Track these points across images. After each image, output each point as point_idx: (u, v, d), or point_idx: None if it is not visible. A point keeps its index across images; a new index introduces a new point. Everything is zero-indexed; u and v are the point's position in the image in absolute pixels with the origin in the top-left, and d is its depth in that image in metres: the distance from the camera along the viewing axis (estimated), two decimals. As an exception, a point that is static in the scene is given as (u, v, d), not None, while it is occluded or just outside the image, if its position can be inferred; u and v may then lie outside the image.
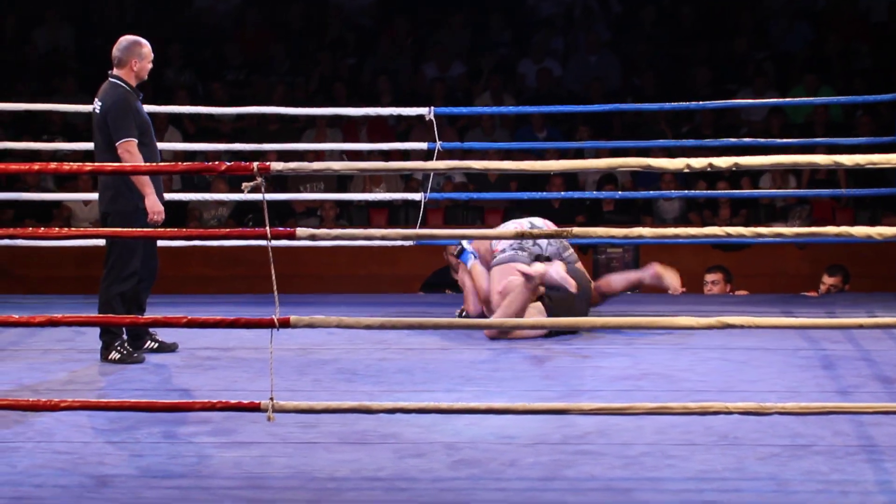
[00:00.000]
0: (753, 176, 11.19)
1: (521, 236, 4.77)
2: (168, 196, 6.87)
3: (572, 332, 6.82)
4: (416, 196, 8.15)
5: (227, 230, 4.89)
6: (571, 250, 7.08)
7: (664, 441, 4.81)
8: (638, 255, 10.32)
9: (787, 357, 6.23)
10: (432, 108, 7.88)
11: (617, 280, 7.30)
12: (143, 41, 6.33)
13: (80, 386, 5.80)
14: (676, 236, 4.58)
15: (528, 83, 12.74)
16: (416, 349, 6.50)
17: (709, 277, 8.75)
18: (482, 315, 7.06)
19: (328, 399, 5.21)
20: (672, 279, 7.15)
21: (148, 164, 6.12)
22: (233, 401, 4.51)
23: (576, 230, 4.56)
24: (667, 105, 8.79)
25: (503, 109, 10.50)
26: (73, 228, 10.21)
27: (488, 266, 7.03)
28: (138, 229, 6.00)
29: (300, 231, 4.46)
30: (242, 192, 4.43)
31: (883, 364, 6.06)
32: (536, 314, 6.78)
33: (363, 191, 11.37)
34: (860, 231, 4.40)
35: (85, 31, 13.37)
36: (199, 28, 13.58)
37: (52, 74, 12.75)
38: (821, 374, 5.92)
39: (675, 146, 10.07)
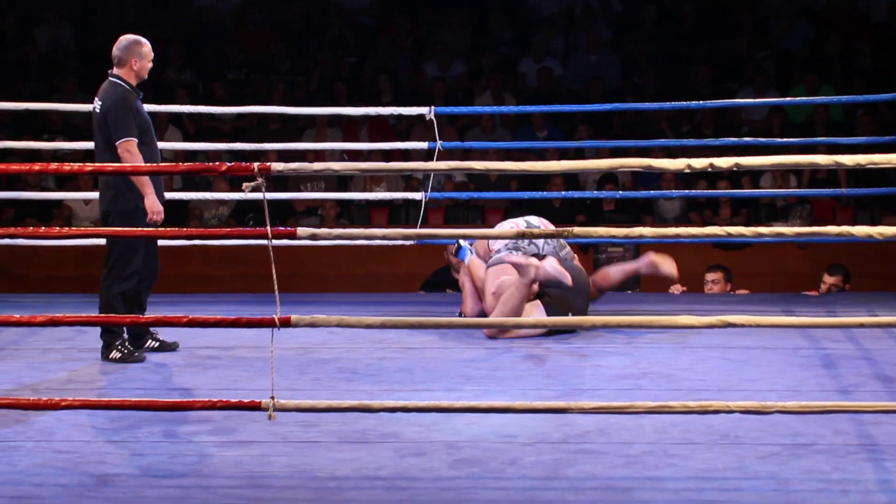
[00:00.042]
0: (754, 175, 11.19)
1: (521, 236, 4.77)
2: (169, 195, 6.88)
3: (571, 330, 6.82)
4: (417, 195, 8.15)
5: (228, 230, 4.89)
6: (568, 248, 7.09)
7: (664, 440, 4.81)
8: (638, 254, 10.31)
9: (787, 356, 6.23)
10: (433, 107, 7.88)
11: (614, 272, 7.31)
12: (144, 40, 6.33)
13: (81, 385, 5.80)
14: (677, 236, 4.57)
15: (529, 82, 12.74)
16: (417, 348, 6.50)
17: (709, 276, 8.76)
18: (480, 316, 7.06)
19: (329, 398, 5.21)
20: (668, 266, 7.15)
21: (149, 164, 6.12)
22: (233, 400, 4.51)
23: (576, 230, 4.56)
24: (667, 104, 8.79)
25: (504, 109, 10.50)
26: (73, 228, 10.22)
27: (486, 263, 7.03)
28: (139, 229, 6.01)
29: (301, 231, 4.47)
30: (243, 191, 4.43)
31: (883, 363, 6.06)
32: (535, 311, 6.78)
33: (364, 190, 11.37)
34: (861, 230, 4.40)
35: (85, 30, 13.37)
36: (200, 27, 13.58)
37: (53, 74, 12.75)
38: (821, 373, 5.92)
39: (675, 145, 10.08)
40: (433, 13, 13.40)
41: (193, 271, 10.52)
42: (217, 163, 4.46)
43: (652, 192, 10.24)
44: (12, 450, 4.77)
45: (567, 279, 6.74)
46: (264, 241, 4.46)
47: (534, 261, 6.77)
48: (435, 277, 9.49)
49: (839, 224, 4.70)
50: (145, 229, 6.02)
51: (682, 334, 6.66)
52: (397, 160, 11.25)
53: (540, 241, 6.93)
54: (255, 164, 4.36)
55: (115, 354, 6.20)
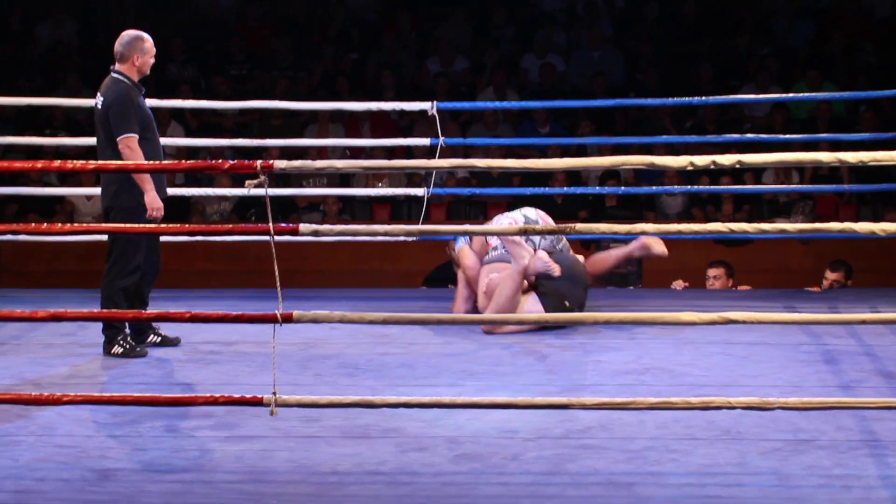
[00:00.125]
0: (756, 172, 11.18)
1: (524, 232, 4.77)
2: (171, 191, 6.88)
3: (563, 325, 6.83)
4: (419, 191, 8.15)
5: (230, 226, 4.89)
6: (565, 241, 7.09)
7: (666, 435, 4.81)
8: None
9: (789, 352, 6.23)
10: (435, 102, 7.88)
11: (607, 257, 7.34)
12: (146, 36, 6.33)
13: (83, 380, 5.80)
14: (679, 232, 4.57)
15: (532, 78, 12.74)
16: (419, 344, 6.50)
17: (711, 272, 8.75)
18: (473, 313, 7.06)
19: (330, 393, 5.22)
20: (659, 248, 7.19)
21: (151, 161, 6.12)
22: (235, 395, 4.52)
23: (578, 226, 4.56)
24: (670, 100, 8.78)
25: (506, 104, 10.49)
26: (75, 224, 10.22)
27: (481, 261, 7.03)
28: (141, 225, 6.01)
29: (303, 227, 4.47)
30: (246, 188, 4.43)
31: (885, 359, 6.06)
32: (529, 302, 6.78)
33: (366, 186, 11.37)
34: (863, 227, 4.40)
35: (88, 26, 13.37)
36: (202, 22, 13.58)
37: (56, 69, 12.75)
38: (823, 368, 5.92)
39: (678, 142, 10.06)
40: (436, 9, 13.39)
41: (195, 267, 10.52)
42: (220, 160, 4.47)
43: (654, 188, 10.23)
44: (14, 444, 4.78)
45: (555, 271, 6.75)
46: (266, 238, 4.47)
47: (530, 250, 6.79)
48: (437, 273, 9.49)
49: (841, 220, 4.71)
50: (147, 225, 6.02)
51: (684, 330, 6.66)
52: (399, 156, 11.24)
53: (536, 236, 6.93)
54: (258, 162, 4.37)
55: (116, 349, 6.21)
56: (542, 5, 13.45)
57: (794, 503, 4.21)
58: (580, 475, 4.45)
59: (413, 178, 11.34)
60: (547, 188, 9.77)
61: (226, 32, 13.40)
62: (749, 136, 9.02)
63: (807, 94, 11.07)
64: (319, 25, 13.43)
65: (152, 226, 6.02)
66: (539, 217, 7.04)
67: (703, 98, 8.87)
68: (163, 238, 6.74)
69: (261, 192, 4.41)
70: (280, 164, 4.40)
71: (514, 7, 13.27)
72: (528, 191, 8.99)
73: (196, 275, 10.32)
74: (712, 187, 10.59)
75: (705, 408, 4.47)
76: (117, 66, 6.29)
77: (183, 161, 5.41)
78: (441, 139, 7.81)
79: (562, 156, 10.64)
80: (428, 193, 8.00)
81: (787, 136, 8.65)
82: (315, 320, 4.52)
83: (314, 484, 4.39)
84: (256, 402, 4.45)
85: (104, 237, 6.69)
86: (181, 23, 13.38)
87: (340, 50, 13.05)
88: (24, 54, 13.02)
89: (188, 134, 11.64)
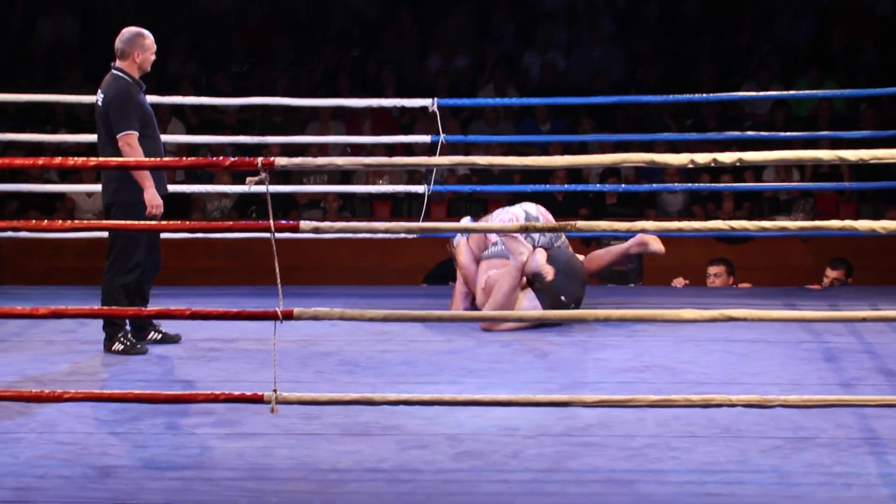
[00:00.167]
0: (757, 169, 11.18)
1: (524, 230, 4.76)
2: (171, 188, 6.88)
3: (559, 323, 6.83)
4: (420, 188, 8.15)
5: (231, 223, 4.89)
6: (564, 238, 7.09)
7: (667, 433, 4.81)
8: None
9: (789, 350, 6.23)
10: (436, 99, 7.87)
11: (604, 254, 7.34)
12: (146, 33, 6.33)
13: (84, 377, 5.80)
14: (680, 230, 4.58)
15: (532, 76, 12.73)
16: (419, 341, 6.50)
17: (712, 270, 8.75)
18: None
19: (331, 391, 5.22)
20: (656, 245, 7.20)
21: (152, 158, 6.12)
22: (236, 392, 4.52)
23: (579, 223, 4.56)
24: (671, 98, 8.78)
25: (507, 101, 10.49)
26: (76, 220, 10.22)
27: (479, 256, 7.03)
28: (142, 222, 6.01)
29: (304, 224, 4.47)
30: (247, 185, 4.43)
31: (886, 357, 6.06)
32: (526, 299, 6.78)
33: (366, 183, 11.37)
34: (864, 225, 4.41)
35: (89, 22, 13.36)
36: (203, 19, 13.58)
37: (57, 66, 12.75)
38: (823, 366, 5.92)
39: (678, 139, 10.05)
40: (437, 6, 13.38)
41: (196, 264, 10.52)
42: (221, 157, 4.46)
43: (655, 185, 10.23)
44: (15, 441, 4.78)
45: (548, 275, 6.75)
46: (267, 234, 4.47)
47: (529, 247, 6.79)
48: (438, 270, 9.49)
49: (842, 218, 4.71)
50: (148, 222, 6.02)
51: (685, 327, 6.66)
52: (400, 153, 11.23)
53: (536, 233, 6.94)
54: (259, 159, 4.37)
55: (117, 346, 6.21)
56: (543, 3, 13.44)
57: (795, 501, 4.21)
58: (580, 473, 4.45)
59: (414, 175, 11.34)
60: (548, 185, 9.76)
61: (227, 29, 13.40)
62: (750, 133, 9.03)
63: (808, 92, 11.06)
64: (321, 23, 13.42)
65: (153, 222, 6.02)
66: (539, 213, 7.04)
67: (704, 95, 8.86)
68: (163, 235, 6.74)
69: (261, 188, 4.42)
70: (281, 160, 4.40)
71: (514, 4, 13.26)
72: (529, 188, 8.99)
73: (197, 272, 10.32)
74: (713, 185, 10.59)
75: (706, 405, 4.48)
76: (118, 63, 6.29)
77: (184, 158, 5.43)
78: (442, 136, 7.80)
79: (563, 153, 10.63)
80: (429, 190, 8.00)
81: (788, 133, 8.66)
82: (316, 317, 4.52)
83: (315, 481, 4.39)
84: (257, 400, 4.45)
85: (105, 234, 6.69)
86: (182, 20, 13.37)
87: (341, 47, 13.04)
88: (25, 51, 13.02)
89: (189, 131, 11.64)
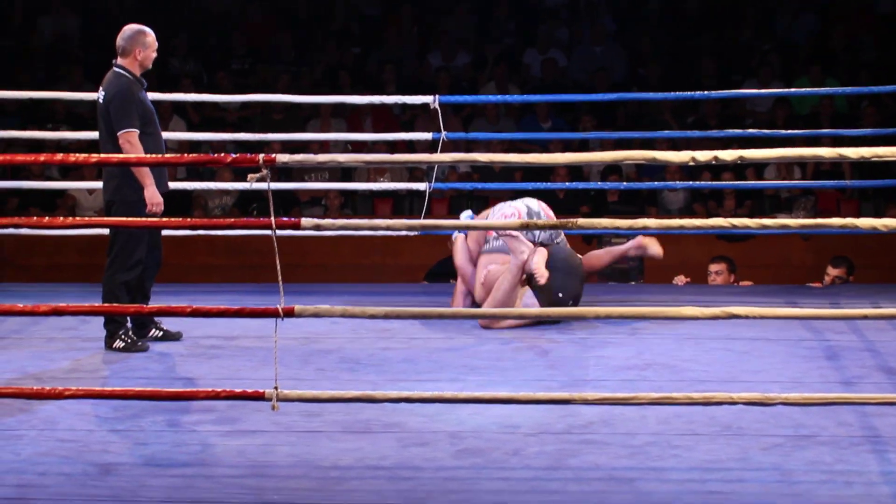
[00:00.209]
0: (758, 167, 11.18)
1: (526, 227, 4.75)
2: (173, 185, 6.88)
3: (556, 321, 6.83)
4: (421, 186, 8.15)
5: (232, 220, 4.89)
6: (562, 235, 7.09)
7: (668, 431, 4.81)
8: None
9: (790, 347, 6.23)
10: (437, 97, 7.87)
11: (604, 255, 7.35)
12: (148, 30, 6.33)
13: (84, 374, 5.80)
14: (681, 227, 4.57)
15: (533, 73, 12.73)
16: (420, 339, 6.50)
17: (713, 268, 8.75)
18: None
19: (332, 388, 5.22)
20: (655, 248, 7.21)
21: (153, 155, 6.12)
22: (237, 390, 4.51)
23: (580, 221, 4.56)
24: (672, 95, 8.78)
25: (508, 98, 10.48)
26: (77, 217, 10.22)
27: (479, 250, 7.03)
28: (143, 218, 6.00)
29: (305, 221, 4.47)
30: (248, 182, 4.43)
31: (887, 355, 6.06)
32: (525, 297, 6.78)
33: (368, 180, 11.37)
34: (865, 223, 4.40)
35: (90, 19, 13.36)
36: (205, 17, 13.58)
37: (58, 63, 12.75)
38: (825, 364, 5.92)
39: (679, 137, 10.05)
40: (438, 4, 13.38)
41: (197, 261, 10.52)
42: (222, 154, 4.46)
43: (656, 183, 10.23)
44: (16, 439, 4.78)
45: (542, 279, 6.74)
46: (268, 232, 4.47)
47: (529, 245, 6.79)
48: (439, 268, 9.49)
49: (843, 216, 4.71)
50: (149, 219, 6.02)
51: (686, 325, 6.66)
52: (401, 150, 11.24)
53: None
54: (261, 156, 4.37)
55: (118, 344, 6.21)
56: (544, 1, 13.44)
57: (796, 499, 4.21)
58: (582, 470, 4.45)
59: (415, 172, 11.34)
60: (549, 183, 9.76)
61: (228, 27, 13.40)
62: (751, 131, 9.01)
63: (809, 90, 11.06)
64: (322, 20, 13.42)
65: (154, 219, 6.01)
66: (541, 208, 7.05)
67: (705, 93, 8.86)
68: (164, 232, 6.74)
69: (263, 186, 4.42)
70: (282, 157, 4.39)
71: (515, 2, 13.26)
72: (530, 185, 8.98)
73: (198, 269, 10.32)
74: (714, 183, 10.59)
75: (707, 403, 4.47)
76: (119, 61, 6.28)
77: (185, 155, 5.42)
78: (443, 133, 7.80)
79: (564, 150, 10.64)
80: (430, 188, 8.00)
81: (789, 131, 8.64)
82: (317, 314, 4.52)
83: (315, 478, 4.39)
84: (258, 397, 4.45)
85: (106, 231, 6.69)
86: (183, 17, 13.37)
87: (343, 45, 13.04)
88: (26, 48, 13.02)
89: (190, 128, 11.64)
